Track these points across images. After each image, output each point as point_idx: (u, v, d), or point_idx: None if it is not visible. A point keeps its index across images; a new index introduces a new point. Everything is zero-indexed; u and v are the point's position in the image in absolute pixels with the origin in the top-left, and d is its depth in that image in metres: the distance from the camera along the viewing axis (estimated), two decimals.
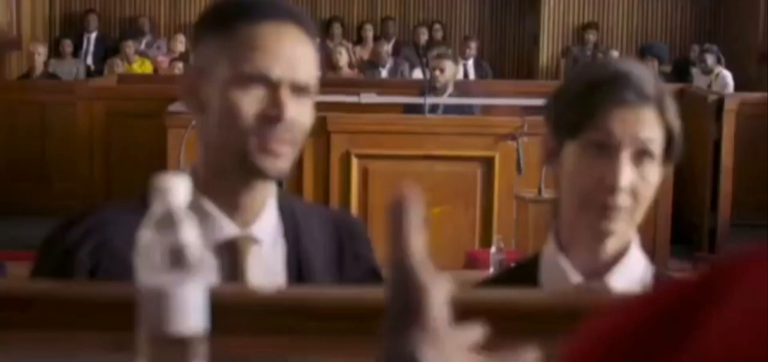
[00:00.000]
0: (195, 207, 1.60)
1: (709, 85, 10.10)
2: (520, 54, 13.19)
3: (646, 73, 1.70)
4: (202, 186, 1.63)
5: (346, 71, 10.25)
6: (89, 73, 11.02)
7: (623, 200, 1.66)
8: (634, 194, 1.66)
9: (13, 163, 9.01)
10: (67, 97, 8.58)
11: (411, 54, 11.86)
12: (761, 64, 10.82)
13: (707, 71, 10.18)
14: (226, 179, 1.65)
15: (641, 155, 1.67)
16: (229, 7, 1.64)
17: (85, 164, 8.09)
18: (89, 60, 11.60)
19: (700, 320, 0.57)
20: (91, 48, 11.75)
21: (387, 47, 11.32)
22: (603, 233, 1.67)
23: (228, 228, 1.65)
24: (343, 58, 10.24)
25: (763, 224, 7.91)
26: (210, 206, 1.64)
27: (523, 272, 1.87)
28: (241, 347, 1.20)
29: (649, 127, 1.66)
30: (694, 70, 10.85)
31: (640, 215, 1.69)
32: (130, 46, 10.82)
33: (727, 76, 10.13)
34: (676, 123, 1.69)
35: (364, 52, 11.82)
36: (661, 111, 1.67)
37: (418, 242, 0.89)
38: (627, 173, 1.65)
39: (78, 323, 1.26)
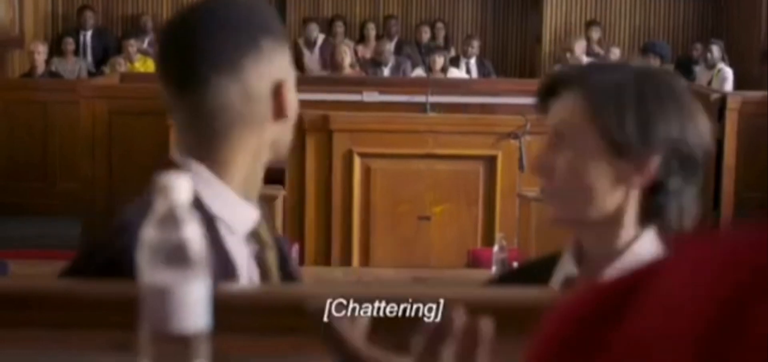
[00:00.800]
0: (220, 197, 1.63)
1: (710, 82, 10.11)
2: (522, 52, 13.18)
3: (579, 64, 1.76)
4: (224, 179, 1.65)
5: (348, 70, 10.24)
6: (88, 72, 11.01)
7: (541, 183, 1.75)
8: (549, 178, 1.70)
9: (15, 162, 9.01)
10: (70, 96, 8.58)
11: (413, 52, 11.85)
12: (763, 63, 10.82)
13: (711, 65, 10.22)
14: (258, 173, 1.70)
15: (553, 139, 1.72)
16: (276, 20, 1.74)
17: (88, 163, 8.08)
18: (88, 57, 11.59)
19: (621, 315, 0.60)
20: (89, 45, 11.73)
21: (389, 46, 11.30)
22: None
23: (253, 213, 1.70)
24: (347, 57, 10.23)
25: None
26: (233, 196, 1.67)
27: (542, 266, 1.89)
28: (243, 346, 1.20)
29: (560, 112, 1.71)
30: (697, 68, 10.85)
31: (581, 202, 1.70)
32: (132, 45, 10.81)
33: (728, 72, 10.17)
34: (619, 114, 1.67)
35: (366, 51, 11.81)
36: (585, 98, 1.68)
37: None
38: (536, 156, 1.75)
39: (81, 322, 1.26)
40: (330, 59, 10.83)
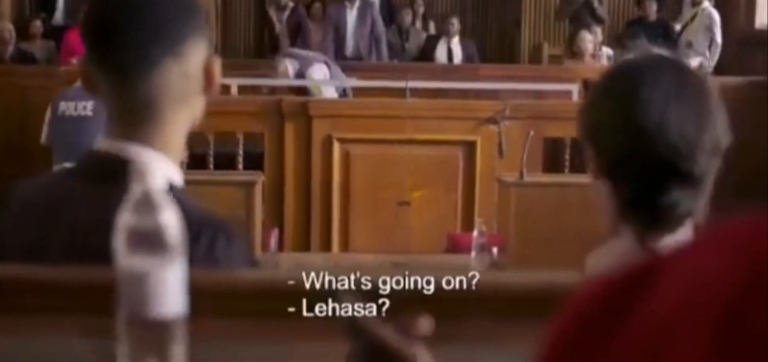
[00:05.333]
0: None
1: (694, 17, 10.13)
2: (501, 37, 13.18)
3: None
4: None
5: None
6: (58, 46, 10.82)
7: None
8: None
9: None
10: (48, 81, 8.53)
11: (393, 36, 11.77)
12: (742, 49, 10.85)
13: (697, 1, 10.26)
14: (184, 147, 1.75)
15: None
16: None
17: None
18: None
19: (632, 307, 0.61)
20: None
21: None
22: None
23: None
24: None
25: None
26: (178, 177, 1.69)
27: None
28: (219, 330, 1.20)
29: None
30: (685, 2, 10.88)
31: None
32: None
33: (714, 13, 10.14)
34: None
35: None
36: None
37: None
38: None
39: (57, 307, 1.26)
40: (301, 41, 10.65)
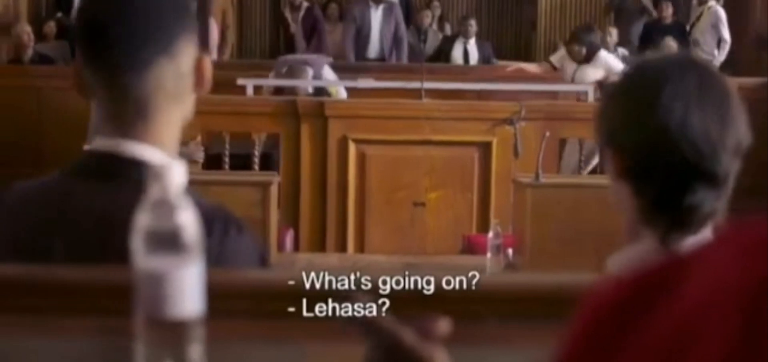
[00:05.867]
0: None
1: (700, 16, 10.14)
2: (517, 38, 13.17)
3: None
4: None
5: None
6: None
7: None
8: None
9: (8, 149, 8.99)
10: (64, 82, 8.55)
11: (411, 37, 11.73)
12: (758, 48, 10.80)
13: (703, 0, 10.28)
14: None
15: None
16: None
17: (82, 149, 8.06)
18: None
19: (654, 307, 0.62)
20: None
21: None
22: None
23: None
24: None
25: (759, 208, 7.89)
26: None
27: None
28: (234, 331, 1.20)
29: None
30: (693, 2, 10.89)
31: None
32: None
33: (720, 11, 10.15)
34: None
35: None
36: None
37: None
38: None
39: (75, 308, 1.26)
40: (317, 41, 10.63)
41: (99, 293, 1.26)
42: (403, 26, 10.22)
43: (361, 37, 9.92)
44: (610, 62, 7.69)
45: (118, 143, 1.62)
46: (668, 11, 10.91)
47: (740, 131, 1.69)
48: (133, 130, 1.63)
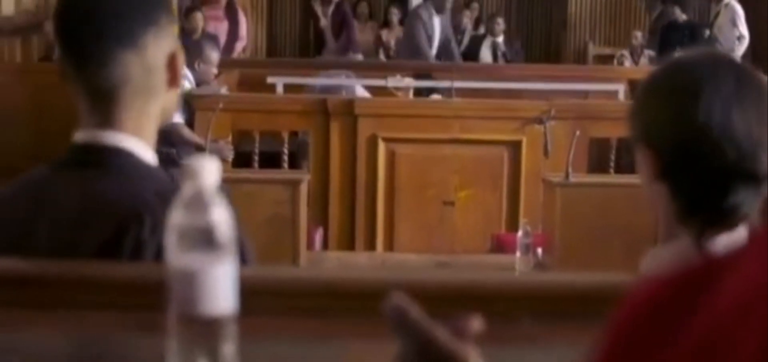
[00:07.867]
0: None
1: (718, 14, 10.09)
2: (547, 37, 13.13)
3: None
4: None
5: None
6: None
7: None
8: None
9: (42, 144, 9.05)
10: None
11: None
12: None
13: None
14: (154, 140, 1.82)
15: None
16: None
17: None
18: None
19: (692, 308, 0.61)
20: None
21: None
22: None
23: None
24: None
25: None
26: None
27: None
28: (270, 328, 1.21)
29: None
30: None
31: None
32: None
33: (738, 7, 10.10)
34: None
35: (390, 36, 11.73)
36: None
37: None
38: None
39: (108, 304, 1.27)
40: (346, 37, 10.64)
41: (140, 289, 1.27)
42: (451, 29, 10.19)
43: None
44: None
45: (95, 134, 1.70)
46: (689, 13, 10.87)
47: None
48: (108, 121, 1.70)
